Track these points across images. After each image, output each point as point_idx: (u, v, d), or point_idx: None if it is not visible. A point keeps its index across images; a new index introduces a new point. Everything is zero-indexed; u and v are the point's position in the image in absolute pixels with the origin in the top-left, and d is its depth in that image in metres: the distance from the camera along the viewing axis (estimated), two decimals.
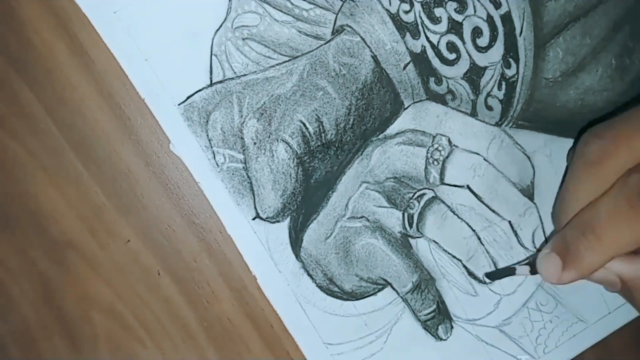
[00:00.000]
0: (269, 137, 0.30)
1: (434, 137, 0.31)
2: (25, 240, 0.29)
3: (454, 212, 0.32)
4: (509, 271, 0.31)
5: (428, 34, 0.30)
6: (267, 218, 0.30)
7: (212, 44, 0.29)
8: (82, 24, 0.28)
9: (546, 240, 0.33)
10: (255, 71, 0.29)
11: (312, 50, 0.30)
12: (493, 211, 0.32)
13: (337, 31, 0.30)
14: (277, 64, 0.30)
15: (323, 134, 0.30)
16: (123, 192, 0.30)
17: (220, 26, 0.29)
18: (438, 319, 0.33)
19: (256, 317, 0.31)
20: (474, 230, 0.32)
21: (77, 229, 0.30)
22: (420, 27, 0.30)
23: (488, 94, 0.31)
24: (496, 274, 0.32)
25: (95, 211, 0.30)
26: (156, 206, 0.30)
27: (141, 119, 0.29)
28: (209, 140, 0.29)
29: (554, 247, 0.28)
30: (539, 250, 0.32)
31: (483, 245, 0.32)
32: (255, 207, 0.30)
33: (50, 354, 0.30)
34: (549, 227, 0.33)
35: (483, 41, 0.31)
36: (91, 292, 0.30)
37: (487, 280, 0.33)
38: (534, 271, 0.29)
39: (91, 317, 0.30)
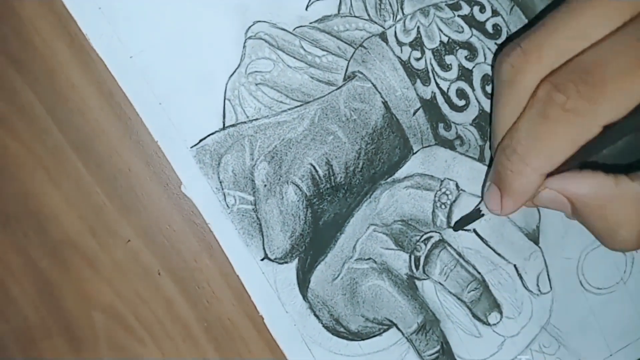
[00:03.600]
0: (279, 179, 0.30)
1: (441, 181, 0.32)
2: (26, 240, 0.29)
3: (460, 255, 0.32)
4: (475, 214, 0.30)
5: (438, 80, 0.31)
6: (275, 259, 0.31)
7: (225, 89, 0.29)
8: None
9: None
10: (268, 115, 0.30)
11: (324, 96, 0.30)
12: (499, 254, 0.33)
13: (348, 77, 0.30)
14: (289, 109, 0.30)
15: (332, 177, 0.31)
16: (123, 191, 0.30)
17: (234, 71, 0.29)
18: None
19: (256, 317, 0.31)
20: (479, 273, 0.32)
21: (78, 229, 0.30)
22: (430, 74, 0.31)
23: None
24: (462, 222, 0.31)
25: (96, 211, 0.30)
26: (157, 206, 0.30)
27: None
28: (220, 182, 0.30)
29: (491, 177, 0.28)
30: None
31: (489, 287, 0.33)
32: (264, 248, 0.31)
33: (51, 353, 0.30)
34: (554, 271, 0.33)
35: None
36: (91, 291, 0.30)
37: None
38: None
39: (91, 317, 0.30)
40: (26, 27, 0.28)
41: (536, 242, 0.33)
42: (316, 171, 0.30)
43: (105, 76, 0.29)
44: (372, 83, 0.30)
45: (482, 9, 0.31)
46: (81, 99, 0.29)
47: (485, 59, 0.31)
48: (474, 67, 0.31)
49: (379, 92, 0.31)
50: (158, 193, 0.30)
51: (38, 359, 0.30)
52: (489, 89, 0.31)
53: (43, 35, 0.28)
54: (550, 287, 0.34)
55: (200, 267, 0.31)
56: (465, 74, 0.31)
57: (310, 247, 0.31)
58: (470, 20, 0.31)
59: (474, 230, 0.32)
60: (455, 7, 0.31)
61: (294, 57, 0.30)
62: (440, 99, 0.31)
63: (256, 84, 0.30)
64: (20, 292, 0.30)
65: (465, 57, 0.31)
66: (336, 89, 0.30)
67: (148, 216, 0.30)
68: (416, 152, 0.32)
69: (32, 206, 0.29)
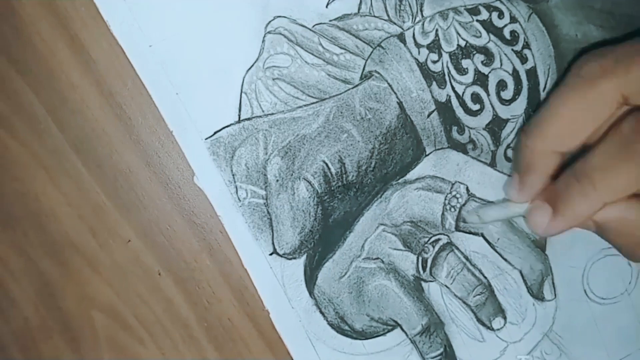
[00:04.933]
0: (292, 175, 0.30)
1: (452, 184, 0.32)
2: (26, 240, 0.30)
3: (467, 259, 0.32)
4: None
5: (454, 84, 0.31)
6: (284, 254, 0.31)
7: (242, 82, 0.29)
8: (83, 24, 0.28)
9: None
10: (283, 110, 0.30)
11: (340, 94, 0.30)
12: (505, 260, 0.33)
13: (365, 76, 0.31)
14: (304, 105, 0.30)
15: (344, 175, 0.31)
16: (124, 192, 0.30)
17: (252, 65, 0.29)
18: None
19: (257, 317, 0.31)
20: (485, 277, 0.33)
21: (78, 229, 0.30)
22: (446, 77, 0.31)
23: (508, 146, 0.32)
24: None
25: (96, 211, 0.30)
26: (157, 206, 0.30)
27: (142, 118, 0.29)
28: (233, 175, 0.30)
29: (545, 196, 0.28)
30: None
31: (494, 292, 0.33)
32: (273, 243, 0.31)
33: (51, 353, 0.30)
34: (559, 279, 0.34)
35: (507, 94, 0.31)
36: (91, 292, 0.30)
37: (496, 325, 0.33)
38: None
39: (91, 317, 0.30)
40: (26, 27, 0.28)
41: (543, 249, 0.33)
42: (328, 168, 0.30)
43: (106, 76, 0.29)
44: (388, 83, 0.30)
45: (501, 15, 0.31)
46: (81, 99, 0.29)
47: (501, 64, 0.31)
48: (489, 72, 0.31)
49: (395, 93, 0.31)
50: (158, 193, 0.30)
51: (38, 359, 0.30)
52: (503, 94, 0.31)
53: (43, 35, 0.28)
54: (555, 295, 0.34)
55: (201, 267, 0.31)
56: (481, 79, 0.31)
57: (319, 244, 0.31)
58: (488, 26, 0.31)
59: (482, 235, 0.32)
60: (474, 11, 0.31)
61: (312, 54, 0.30)
62: (455, 102, 0.31)
63: (273, 79, 0.30)
64: (20, 293, 0.30)
65: (482, 62, 0.31)
66: (352, 88, 0.30)
67: (148, 216, 0.30)
68: (429, 154, 0.32)
69: (32, 206, 0.29)
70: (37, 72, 0.28)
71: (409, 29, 0.31)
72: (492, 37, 0.31)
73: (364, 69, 0.30)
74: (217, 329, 0.31)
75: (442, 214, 0.32)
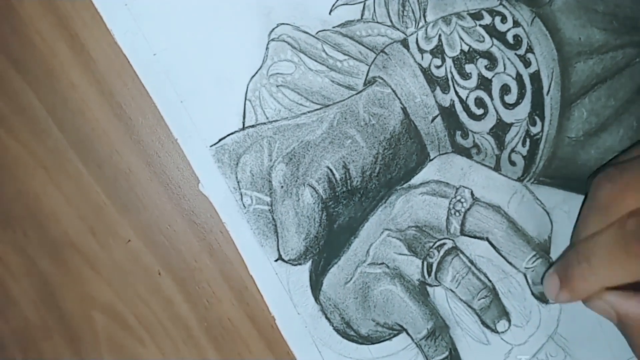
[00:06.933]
0: (296, 181, 0.30)
1: (457, 189, 0.32)
2: (26, 240, 0.30)
3: (472, 263, 0.32)
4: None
5: (458, 89, 0.31)
6: (289, 260, 0.31)
7: (246, 90, 0.29)
8: (83, 23, 0.28)
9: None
10: (287, 117, 0.30)
11: (344, 100, 0.30)
12: (510, 263, 0.33)
13: (369, 82, 0.31)
14: (308, 112, 0.30)
15: (349, 181, 0.31)
16: (124, 191, 0.30)
17: (256, 73, 0.29)
18: None
19: (257, 317, 0.31)
20: (490, 281, 0.33)
21: (78, 229, 0.30)
22: (450, 82, 0.31)
23: (512, 150, 0.32)
24: None
25: (96, 211, 0.30)
26: (157, 206, 0.30)
27: (142, 118, 0.29)
28: (238, 182, 0.30)
29: (556, 268, 0.31)
30: None
31: (498, 296, 0.33)
32: (278, 249, 0.31)
33: (51, 353, 0.31)
34: None
35: (511, 98, 0.32)
36: (91, 291, 0.30)
37: (501, 329, 0.33)
38: None
39: (91, 317, 0.30)
40: (26, 27, 0.28)
41: (547, 252, 0.33)
42: (333, 174, 0.30)
43: (106, 76, 0.29)
44: (392, 89, 0.31)
45: (504, 19, 0.31)
46: (81, 99, 0.29)
47: (505, 68, 0.31)
48: (493, 76, 0.31)
49: (399, 98, 0.31)
50: (158, 193, 0.30)
51: (38, 359, 0.30)
52: (507, 98, 0.31)
53: (43, 35, 0.28)
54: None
55: (200, 267, 0.31)
56: (484, 83, 0.31)
57: (324, 250, 0.31)
58: (491, 30, 0.31)
59: (487, 239, 0.32)
60: (477, 16, 0.31)
61: (316, 61, 0.30)
62: (458, 107, 0.31)
63: (277, 86, 0.30)
64: (20, 292, 0.30)
65: (485, 66, 0.31)
66: (356, 94, 0.30)
67: (148, 216, 0.30)
68: (433, 159, 0.32)
69: (32, 206, 0.29)
70: (37, 72, 0.29)
71: (412, 34, 0.31)
72: (495, 41, 0.31)
73: (367, 74, 0.30)
74: (217, 329, 0.31)
75: (447, 218, 0.32)
